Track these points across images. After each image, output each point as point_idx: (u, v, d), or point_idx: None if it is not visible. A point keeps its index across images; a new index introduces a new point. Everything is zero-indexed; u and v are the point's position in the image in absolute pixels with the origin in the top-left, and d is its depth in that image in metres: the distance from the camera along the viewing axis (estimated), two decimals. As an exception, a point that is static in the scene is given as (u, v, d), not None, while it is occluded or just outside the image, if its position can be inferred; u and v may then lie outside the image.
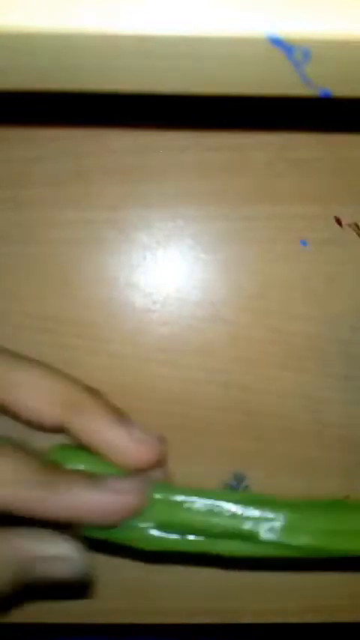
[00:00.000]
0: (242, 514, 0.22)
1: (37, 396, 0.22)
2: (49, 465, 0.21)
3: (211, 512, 0.22)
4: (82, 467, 0.22)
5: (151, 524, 0.22)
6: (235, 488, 0.29)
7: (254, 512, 0.22)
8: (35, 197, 0.29)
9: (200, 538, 0.22)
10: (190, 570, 0.29)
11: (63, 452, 0.22)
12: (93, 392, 0.22)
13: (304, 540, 0.22)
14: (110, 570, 0.29)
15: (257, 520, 0.22)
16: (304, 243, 0.30)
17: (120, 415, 0.22)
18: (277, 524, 0.22)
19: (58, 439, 0.22)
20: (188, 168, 0.30)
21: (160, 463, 0.22)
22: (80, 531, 0.21)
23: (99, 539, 0.22)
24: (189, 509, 0.22)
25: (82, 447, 0.22)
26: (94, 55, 0.17)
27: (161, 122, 0.29)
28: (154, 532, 0.22)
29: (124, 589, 0.29)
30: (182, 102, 0.21)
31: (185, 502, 0.22)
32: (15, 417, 0.22)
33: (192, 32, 0.16)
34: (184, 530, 0.22)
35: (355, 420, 0.30)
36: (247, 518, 0.22)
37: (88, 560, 0.21)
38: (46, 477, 0.20)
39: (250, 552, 0.22)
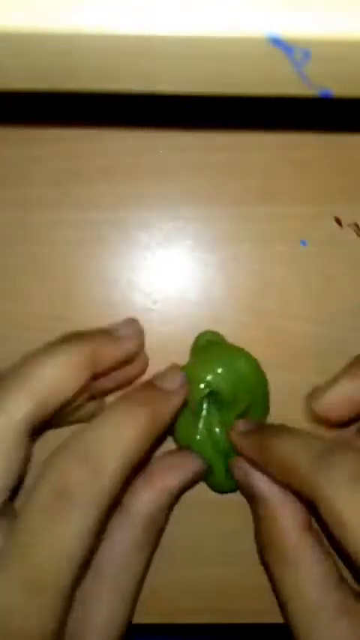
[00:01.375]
0: None
1: None
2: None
3: None
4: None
5: None
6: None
7: None
8: (35, 197, 0.30)
9: None
10: (190, 570, 0.29)
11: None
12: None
13: None
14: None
15: None
16: (303, 243, 0.30)
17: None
18: None
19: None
20: (188, 168, 0.30)
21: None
22: None
23: None
24: None
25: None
26: (94, 55, 0.17)
27: (161, 122, 0.29)
28: None
29: (124, 589, 0.29)
30: (182, 102, 0.21)
31: None
32: None
33: (192, 32, 0.16)
34: None
35: (355, 419, 0.30)
36: None
37: None
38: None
39: None
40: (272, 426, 0.26)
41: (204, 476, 0.27)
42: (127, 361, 0.27)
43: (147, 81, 0.18)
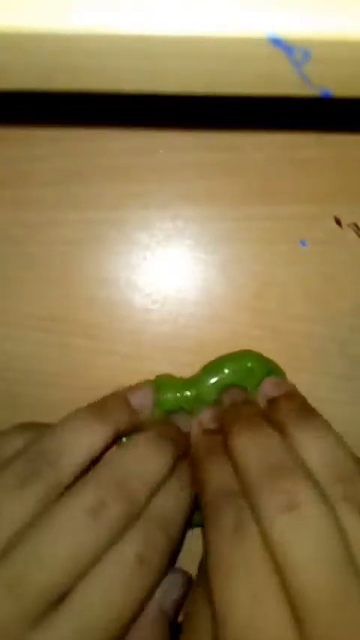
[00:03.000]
0: None
1: None
2: None
3: None
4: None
5: None
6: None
7: None
8: (35, 197, 0.30)
9: None
10: (190, 570, 0.29)
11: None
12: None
13: None
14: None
15: None
16: (303, 243, 0.30)
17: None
18: None
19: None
20: (188, 168, 0.30)
21: None
22: None
23: None
24: None
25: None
26: (94, 55, 0.17)
27: (161, 122, 0.29)
28: None
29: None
30: (182, 102, 0.21)
31: None
32: None
33: (192, 32, 0.16)
34: None
35: (354, 419, 0.30)
36: None
37: None
38: None
39: None
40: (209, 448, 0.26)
41: None
42: None
43: (147, 81, 0.18)
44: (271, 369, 0.28)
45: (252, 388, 0.28)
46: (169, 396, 0.27)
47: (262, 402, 0.27)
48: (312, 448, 0.23)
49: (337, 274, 0.30)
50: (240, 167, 0.30)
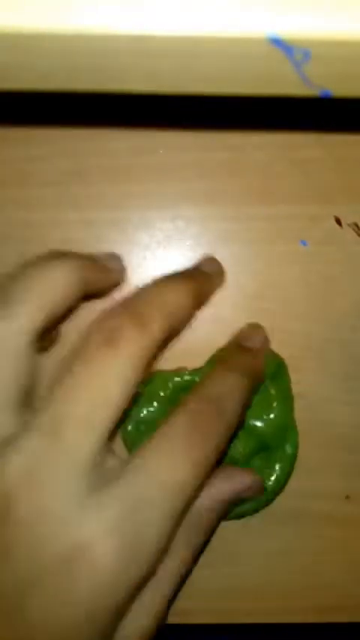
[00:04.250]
0: None
1: None
2: None
3: None
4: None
5: None
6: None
7: None
8: (35, 197, 0.30)
9: None
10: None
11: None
12: None
13: None
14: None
15: None
16: (303, 243, 0.30)
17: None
18: None
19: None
20: (188, 168, 0.30)
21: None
22: None
23: None
24: None
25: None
26: (94, 55, 0.17)
27: (161, 122, 0.29)
28: None
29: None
30: (182, 102, 0.21)
31: None
32: None
33: (192, 32, 0.16)
34: None
35: (355, 419, 0.30)
36: None
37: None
38: None
39: None
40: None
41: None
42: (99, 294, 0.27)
43: (147, 81, 0.18)
44: (268, 355, 0.28)
45: None
46: (180, 376, 0.28)
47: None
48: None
49: (337, 274, 0.30)
50: (240, 167, 0.30)
